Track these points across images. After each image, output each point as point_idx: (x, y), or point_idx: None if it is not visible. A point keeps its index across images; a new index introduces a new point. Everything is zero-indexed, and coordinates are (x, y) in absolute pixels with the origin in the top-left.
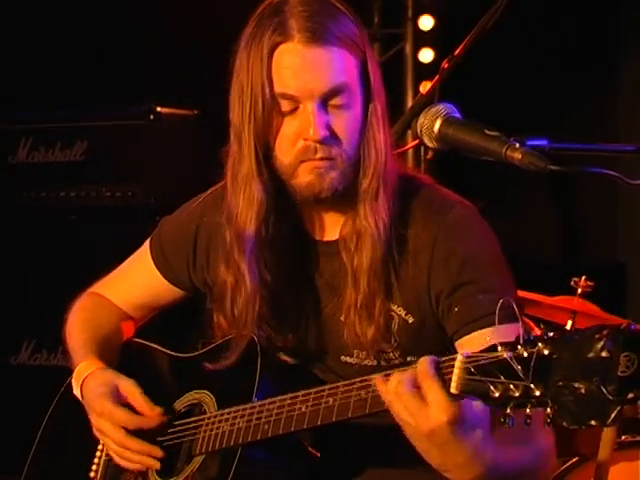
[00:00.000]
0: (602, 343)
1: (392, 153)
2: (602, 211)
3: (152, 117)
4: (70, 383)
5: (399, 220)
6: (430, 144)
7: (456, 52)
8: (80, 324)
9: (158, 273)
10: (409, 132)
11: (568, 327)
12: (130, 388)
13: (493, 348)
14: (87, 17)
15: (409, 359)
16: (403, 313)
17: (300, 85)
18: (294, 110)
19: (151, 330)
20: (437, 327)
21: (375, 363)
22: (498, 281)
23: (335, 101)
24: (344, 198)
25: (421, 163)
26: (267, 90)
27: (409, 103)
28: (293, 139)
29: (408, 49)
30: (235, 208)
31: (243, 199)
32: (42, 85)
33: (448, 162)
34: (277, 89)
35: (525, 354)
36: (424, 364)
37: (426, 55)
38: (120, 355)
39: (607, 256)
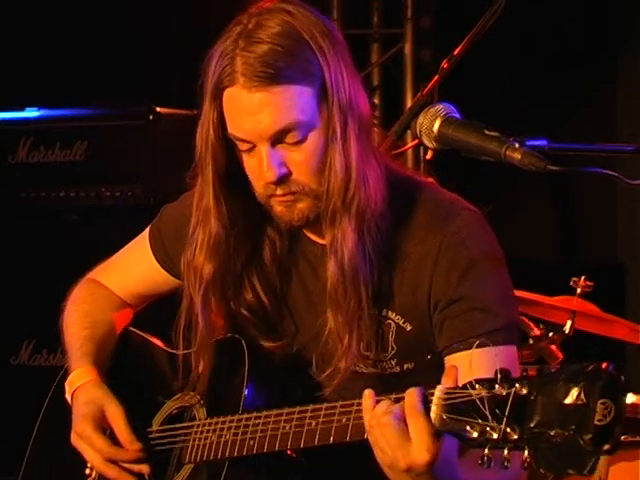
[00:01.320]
0: (580, 388)
1: (371, 166)
2: (602, 211)
3: (152, 117)
4: (62, 382)
5: (400, 226)
6: (429, 144)
7: (456, 52)
8: (79, 318)
9: (156, 262)
10: (408, 132)
11: (548, 368)
12: (115, 415)
13: (471, 385)
14: (87, 17)
15: (406, 367)
16: (401, 321)
17: (247, 129)
18: (252, 149)
19: (146, 319)
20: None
21: (372, 371)
22: (496, 299)
23: (288, 139)
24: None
25: (420, 163)
26: (215, 132)
27: (409, 103)
28: (256, 176)
29: (408, 49)
30: (194, 243)
31: (202, 233)
32: (42, 85)
33: (447, 162)
34: (229, 131)
35: (503, 393)
36: (412, 397)
37: (426, 55)
38: (117, 345)
39: (607, 256)
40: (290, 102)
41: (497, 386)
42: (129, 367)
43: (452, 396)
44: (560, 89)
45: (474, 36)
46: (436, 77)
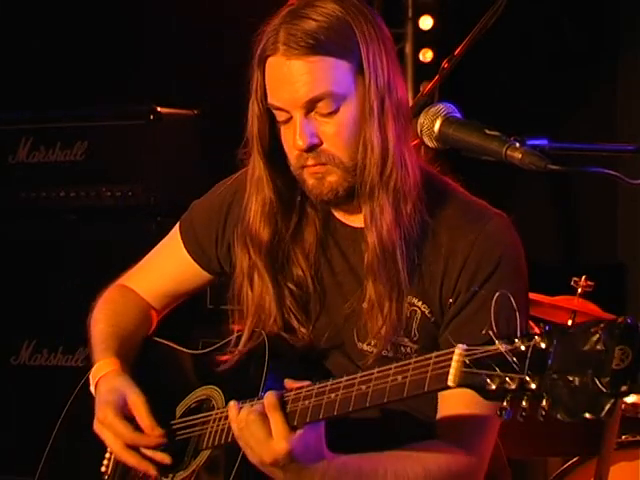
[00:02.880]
0: (598, 336)
1: (408, 151)
2: (602, 211)
3: (152, 117)
4: (88, 378)
5: (432, 218)
6: (430, 144)
7: (456, 52)
8: (106, 317)
9: (187, 255)
10: None
11: (568, 323)
12: (137, 403)
13: (490, 341)
14: (87, 17)
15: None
16: (427, 310)
17: (283, 97)
18: (288, 120)
19: (162, 328)
20: None
21: (392, 354)
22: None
23: (320, 109)
24: (357, 200)
25: None
26: (258, 103)
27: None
28: (290, 147)
29: (408, 49)
30: (249, 212)
31: (256, 203)
32: (42, 85)
33: (447, 162)
34: (269, 100)
35: (522, 347)
36: (270, 397)
37: (426, 55)
38: (139, 352)
39: (607, 256)
40: (326, 72)
41: (517, 340)
42: (149, 369)
43: (471, 351)
44: (560, 89)
45: (474, 36)
46: (436, 77)
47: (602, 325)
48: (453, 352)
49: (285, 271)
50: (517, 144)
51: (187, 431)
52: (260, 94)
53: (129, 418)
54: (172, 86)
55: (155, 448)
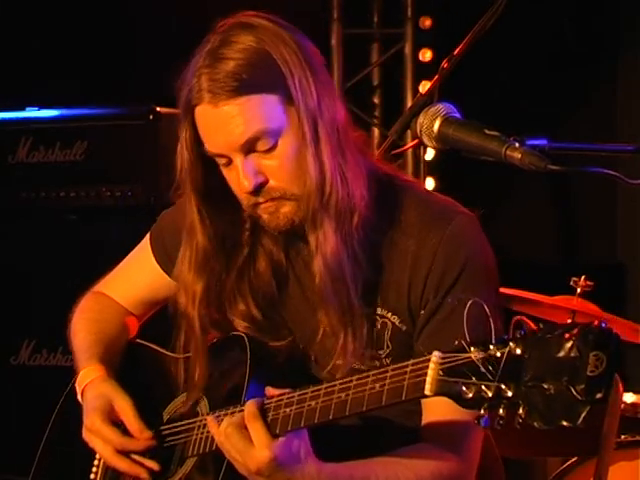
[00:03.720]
0: (572, 342)
1: (344, 166)
2: (602, 211)
3: (152, 117)
4: (72, 386)
5: (391, 226)
6: (430, 144)
7: (456, 52)
8: (86, 324)
9: (158, 266)
10: (409, 132)
11: (542, 329)
12: (124, 407)
13: (464, 349)
14: (87, 17)
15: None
16: (397, 321)
17: (218, 143)
18: (230, 162)
19: (148, 329)
20: None
21: (365, 368)
22: (486, 304)
23: (259, 147)
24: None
25: (420, 163)
26: (188, 152)
27: (409, 103)
28: (237, 189)
29: (408, 49)
30: (183, 262)
31: (190, 251)
32: (42, 85)
33: (448, 162)
34: (207, 148)
35: (497, 354)
36: (250, 407)
37: (426, 55)
38: (122, 355)
39: (607, 256)
40: (256, 110)
41: (492, 347)
42: (134, 375)
43: (447, 360)
44: (560, 89)
45: (474, 36)
46: (436, 77)
47: (576, 331)
48: (429, 360)
49: (233, 309)
50: (517, 144)
51: (173, 438)
52: (190, 143)
53: (117, 423)
54: (172, 86)
55: (145, 452)
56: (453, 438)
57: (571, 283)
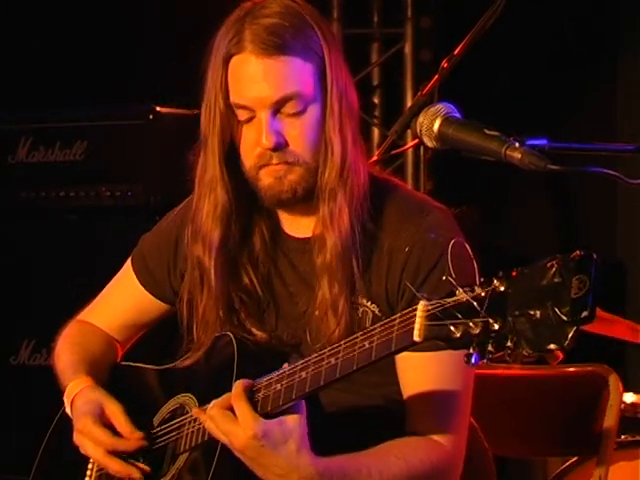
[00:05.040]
0: (554, 270)
1: (359, 154)
2: (601, 211)
3: (152, 117)
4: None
5: (372, 220)
6: (429, 144)
7: (456, 52)
8: (69, 348)
9: (141, 287)
10: (409, 132)
11: (525, 267)
12: (115, 410)
13: (452, 293)
14: (87, 17)
15: None
16: (377, 310)
17: (251, 96)
18: (251, 119)
19: (138, 347)
20: None
21: None
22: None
23: (287, 109)
24: (313, 198)
25: (420, 163)
26: (223, 100)
27: (409, 103)
28: (252, 146)
29: (408, 49)
30: (200, 213)
31: (208, 203)
32: (42, 85)
33: (447, 162)
34: (232, 99)
35: (482, 294)
36: (237, 387)
37: (426, 55)
38: (107, 378)
39: (606, 255)
40: (294, 73)
41: (477, 288)
42: (119, 393)
43: (434, 305)
44: (560, 89)
45: (474, 36)
46: (436, 77)
47: (557, 260)
48: (416, 309)
49: (235, 279)
50: (516, 144)
51: (164, 438)
52: (224, 91)
53: (108, 426)
54: (172, 86)
55: (136, 452)
56: (438, 420)
57: None
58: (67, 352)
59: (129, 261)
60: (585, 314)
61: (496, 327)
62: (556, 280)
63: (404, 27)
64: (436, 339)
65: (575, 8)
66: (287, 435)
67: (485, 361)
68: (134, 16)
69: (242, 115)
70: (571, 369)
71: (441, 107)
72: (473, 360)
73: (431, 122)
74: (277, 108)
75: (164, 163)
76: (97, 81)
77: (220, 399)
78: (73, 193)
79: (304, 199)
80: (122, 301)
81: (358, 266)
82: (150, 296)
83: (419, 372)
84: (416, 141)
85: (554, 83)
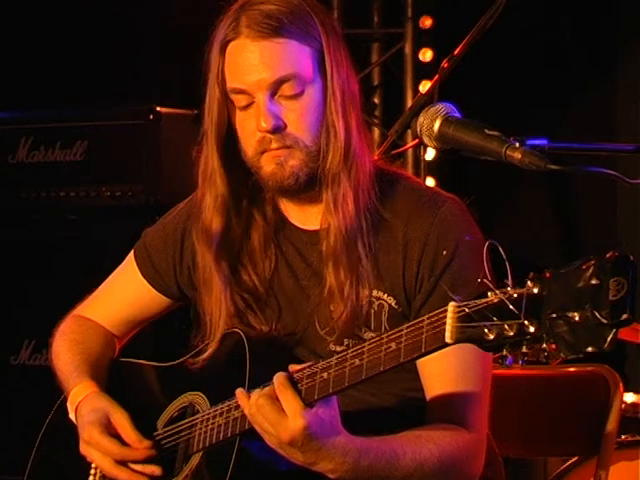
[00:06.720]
0: (590, 272)
1: (364, 143)
2: (602, 211)
3: (152, 117)
4: (63, 402)
5: (384, 209)
6: (430, 144)
7: (456, 52)
8: (69, 346)
9: (145, 282)
10: (409, 132)
11: (558, 268)
12: (121, 420)
13: (483, 295)
14: (87, 17)
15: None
16: (393, 302)
17: (247, 79)
18: (249, 105)
19: (141, 343)
20: None
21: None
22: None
23: (285, 91)
24: (316, 186)
25: (420, 163)
26: (220, 88)
27: (409, 103)
28: (252, 132)
29: (408, 49)
30: (203, 204)
31: (209, 196)
32: (42, 85)
33: (448, 162)
34: (229, 85)
35: (515, 295)
36: (280, 377)
37: (426, 55)
38: (107, 376)
39: None
40: (290, 54)
41: (509, 289)
42: (121, 392)
43: (466, 307)
44: (560, 89)
45: (474, 36)
46: (436, 77)
47: (593, 261)
48: (446, 310)
49: (236, 275)
50: (517, 144)
51: (174, 438)
52: (221, 79)
53: (115, 435)
54: (172, 86)
55: (144, 461)
56: (461, 411)
57: None
58: (67, 351)
59: (131, 255)
60: (625, 316)
61: (532, 330)
62: (593, 282)
63: (404, 27)
64: (468, 341)
65: (575, 8)
66: (335, 423)
67: (520, 363)
68: (134, 16)
69: (240, 101)
70: (571, 369)
71: (441, 107)
72: (507, 362)
73: (431, 122)
74: (274, 90)
75: (164, 163)
76: (97, 81)
77: (265, 389)
78: (73, 193)
79: (308, 187)
80: (123, 295)
81: (366, 253)
82: (153, 290)
83: (441, 363)
84: (416, 141)
85: (554, 83)
